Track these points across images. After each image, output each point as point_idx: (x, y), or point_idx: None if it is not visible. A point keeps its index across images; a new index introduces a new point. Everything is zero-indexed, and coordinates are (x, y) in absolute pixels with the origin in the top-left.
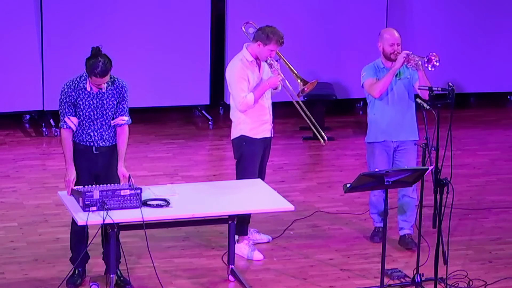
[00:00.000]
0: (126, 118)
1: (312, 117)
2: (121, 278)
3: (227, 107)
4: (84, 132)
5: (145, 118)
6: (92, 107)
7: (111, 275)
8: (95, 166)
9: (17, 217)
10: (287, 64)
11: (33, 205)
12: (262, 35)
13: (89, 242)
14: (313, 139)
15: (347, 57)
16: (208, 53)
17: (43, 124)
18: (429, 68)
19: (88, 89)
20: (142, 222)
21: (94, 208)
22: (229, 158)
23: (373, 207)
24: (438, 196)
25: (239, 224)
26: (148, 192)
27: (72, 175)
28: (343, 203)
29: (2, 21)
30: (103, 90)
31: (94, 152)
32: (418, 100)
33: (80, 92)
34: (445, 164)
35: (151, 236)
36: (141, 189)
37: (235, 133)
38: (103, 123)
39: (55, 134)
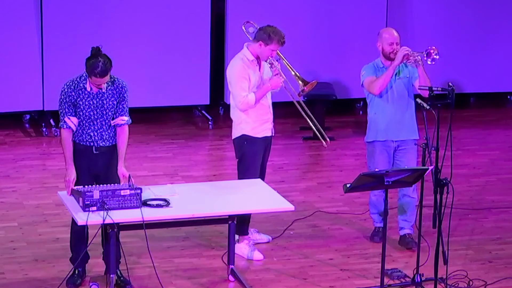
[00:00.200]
0: (126, 118)
1: (313, 117)
2: (121, 278)
3: (227, 107)
4: (84, 132)
5: (145, 118)
6: (92, 107)
7: (111, 275)
8: (95, 166)
9: (17, 217)
10: (287, 64)
11: (33, 205)
12: (263, 35)
13: (89, 242)
14: (313, 139)
15: (347, 57)
16: (208, 53)
17: (43, 124)
18: (429, 62)
19: (88, 89)
20: (142, 222)
21: (94, 208)
22: (229, 158)
23: (373, 207)
24: (438, 196)
25: (240, 224)
26: (148, 192)
27: (72, 175)
28: (343, 203)
29: (2, 21)
30: (103, 90)
31: (94, 152)
32: (418, 100)
33: (80, 92)
34: (445, 164)
35: (151, 236)
36: (141, 189)
37: (236, 132)
38: (103, 123)
39: (55, 134)
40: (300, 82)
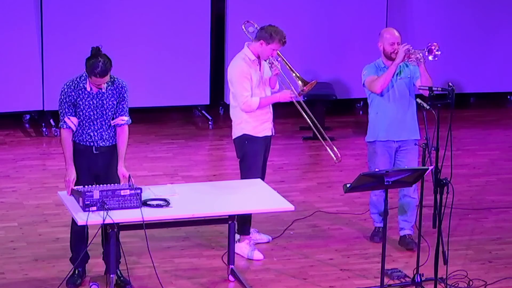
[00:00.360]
0: (126, 118)
1: (313, 117)
2: (121, 278)
3: (227, 107)
4: (84, 132)
5: (145, 118)
6: (92, 107)
7: (111, 275)
8: (95, 166)
9: (17, 217)
10: (287, 64)
11: (33, 205)
12: (265, 34)
13: (89, 242)
14: (313, 139)
15: (347, 57)
16: (208, 53)
17: (43, 124)
18: (431, 58)
19: (88, 89)
20: (142, 222)
21: (94, 208)
22: (229, 158)
23: (373, 207)
24: (438, 196)
25: (242, 224)
26: (148, 192)
27: (72, 175)
28: (343, 203)
29: (2, 21)
30: (103, 90)
31: (94, 152)
32: (418, 100)
33: (80, 92)
34: (445, 164)
35: (151, 236)
36: (141, 189)
37: (236, 132)
38: (103, 123)
39: (55, 134)
40: (299, 82)
